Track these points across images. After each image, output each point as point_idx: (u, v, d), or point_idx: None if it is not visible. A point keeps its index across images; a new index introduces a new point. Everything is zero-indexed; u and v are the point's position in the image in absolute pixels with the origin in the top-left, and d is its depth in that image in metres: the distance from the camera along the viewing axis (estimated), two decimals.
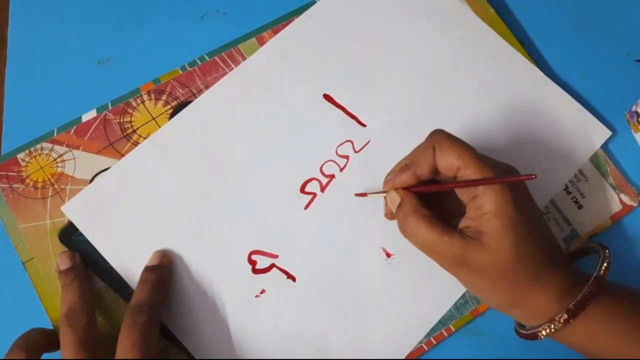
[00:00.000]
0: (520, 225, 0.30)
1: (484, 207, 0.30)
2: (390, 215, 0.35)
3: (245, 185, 0.38)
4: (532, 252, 0.31)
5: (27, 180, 0.38)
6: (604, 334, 0.31)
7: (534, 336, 0.32)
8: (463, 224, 0.32)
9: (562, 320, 0.30)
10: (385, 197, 0.34)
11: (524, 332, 0.33)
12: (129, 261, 0.36)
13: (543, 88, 0.42)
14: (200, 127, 0.39)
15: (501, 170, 0.32)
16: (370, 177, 0.39)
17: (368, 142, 0.40)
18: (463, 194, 0.32)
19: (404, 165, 0.33)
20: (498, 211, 0.30)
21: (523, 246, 0.30)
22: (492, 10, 0.44)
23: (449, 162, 0.31)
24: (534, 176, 0.30)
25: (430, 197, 0.33)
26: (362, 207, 0.38)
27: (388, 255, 0.37)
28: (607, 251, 0.33)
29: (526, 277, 0.31)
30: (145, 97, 0.40)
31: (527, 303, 0.31)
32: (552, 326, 0.31)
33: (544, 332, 0.31)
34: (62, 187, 0.38)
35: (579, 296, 0.30)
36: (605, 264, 0.32)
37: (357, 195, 0.37)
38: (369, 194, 0.36)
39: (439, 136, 0.32)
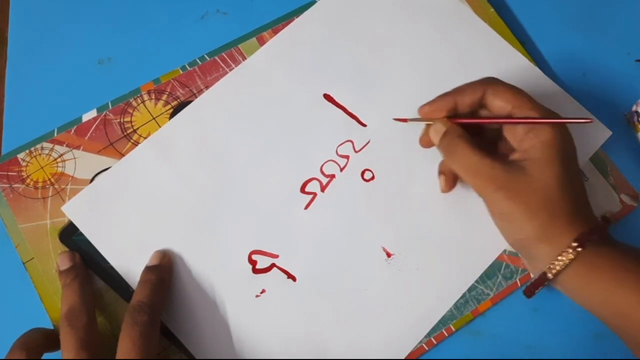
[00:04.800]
0: (567, 160, 0.31)
1: (539, 136, 0.31)
2: (425, 143, 0.36)
3: (246, 185, 0.38)
4: (573, 188, 0.31)
5: (28, 180, 0.38)
6: (609, 279, 0.30)
7: (544, 277, 0.31)
8: (510, 157, 0.33)
9: (570, 250, 0.30)
10: (427, 125, 0.35)
11: (535, 278, 0.32)
12: (129, 261, 0.36)
13: (543, 88, 0.42)
14: (200, 127, 0.39)
15: (553, 115, 0.33)
16: None
17: (368, 142, 0.40)
18: (515, 133, 0.33)
19: (447, 92, 0.34)
20: (551, 141, 0.31)
21: (567, 179, 0.31)
22: (492, 10, 0.44)
23: (503, 102, 0.33)
24: (590, 120, 0.32)
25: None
26: (362, 207, 0.38)
27: (388, 255, 0.37)
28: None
29: (565, 211, 0.31)
30: (146, 97, 0.40)
31: (556, 239, 0.31)
32: (563, 259, 0.30)
33: (556, 268, 0.30)
34: (63, 187, 0.38)
35: (586, 228, 0.31)
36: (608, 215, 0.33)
37: (395, 119, 0.38)
38: (409, 119, 0.36)
39: (494, 80, 0.34)
